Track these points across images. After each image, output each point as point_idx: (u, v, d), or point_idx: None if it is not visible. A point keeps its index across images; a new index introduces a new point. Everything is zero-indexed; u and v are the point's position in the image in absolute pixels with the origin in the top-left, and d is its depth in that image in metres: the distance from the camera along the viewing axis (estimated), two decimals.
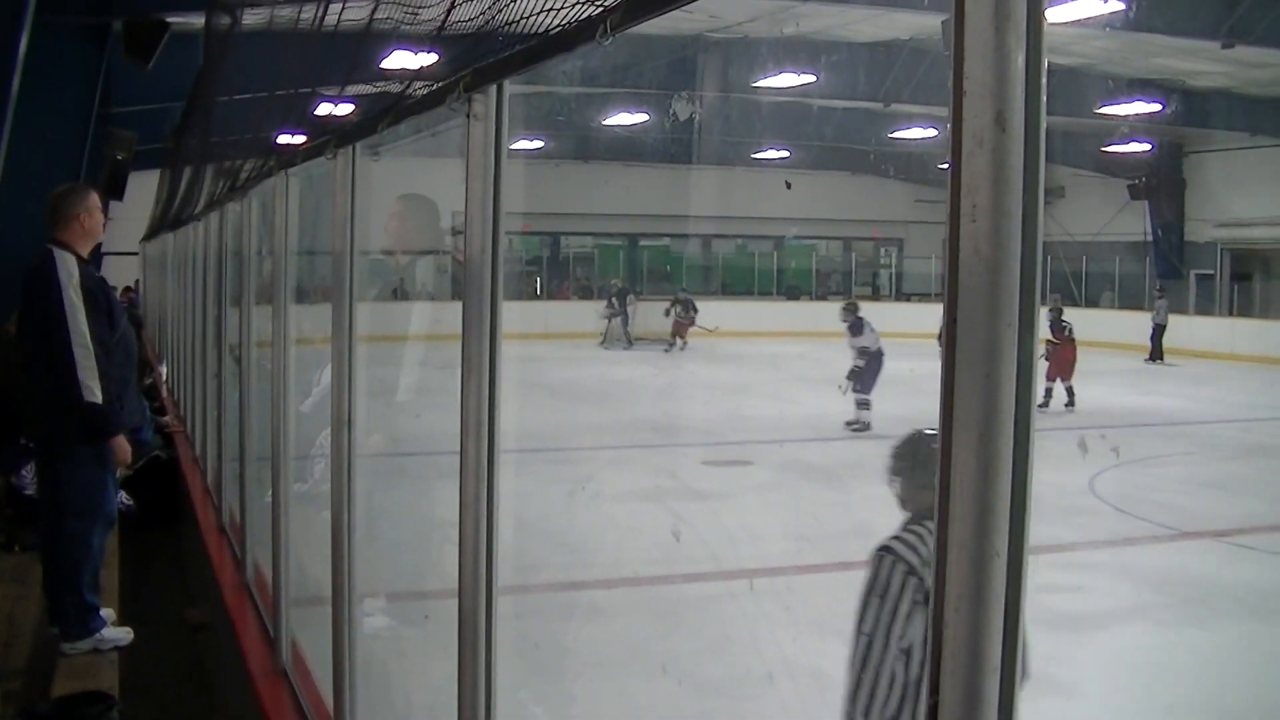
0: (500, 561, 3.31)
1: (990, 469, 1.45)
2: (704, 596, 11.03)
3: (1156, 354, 35.99)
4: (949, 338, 1.47)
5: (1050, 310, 26.08)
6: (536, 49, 2.78)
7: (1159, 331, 36.27)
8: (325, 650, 5.19)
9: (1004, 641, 1.48)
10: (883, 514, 14.06)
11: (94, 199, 7.68)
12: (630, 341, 38.71)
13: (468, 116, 3.19)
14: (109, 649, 7.34)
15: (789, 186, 45.18)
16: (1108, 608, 10.95)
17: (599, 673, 9.19)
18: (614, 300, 39.70)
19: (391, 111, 4.05)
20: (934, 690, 1.50)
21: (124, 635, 7.52)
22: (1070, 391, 24.27)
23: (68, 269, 7.20)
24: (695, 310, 39.23)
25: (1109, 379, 29.01)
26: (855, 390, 20.99)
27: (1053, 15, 22.45)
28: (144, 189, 22.87)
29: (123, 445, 7.56)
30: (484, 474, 3.21)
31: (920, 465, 5.03)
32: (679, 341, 37.87)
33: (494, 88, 3.12)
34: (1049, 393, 23.93)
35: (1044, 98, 1.45)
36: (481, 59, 3.15)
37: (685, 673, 9.12)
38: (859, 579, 11.80)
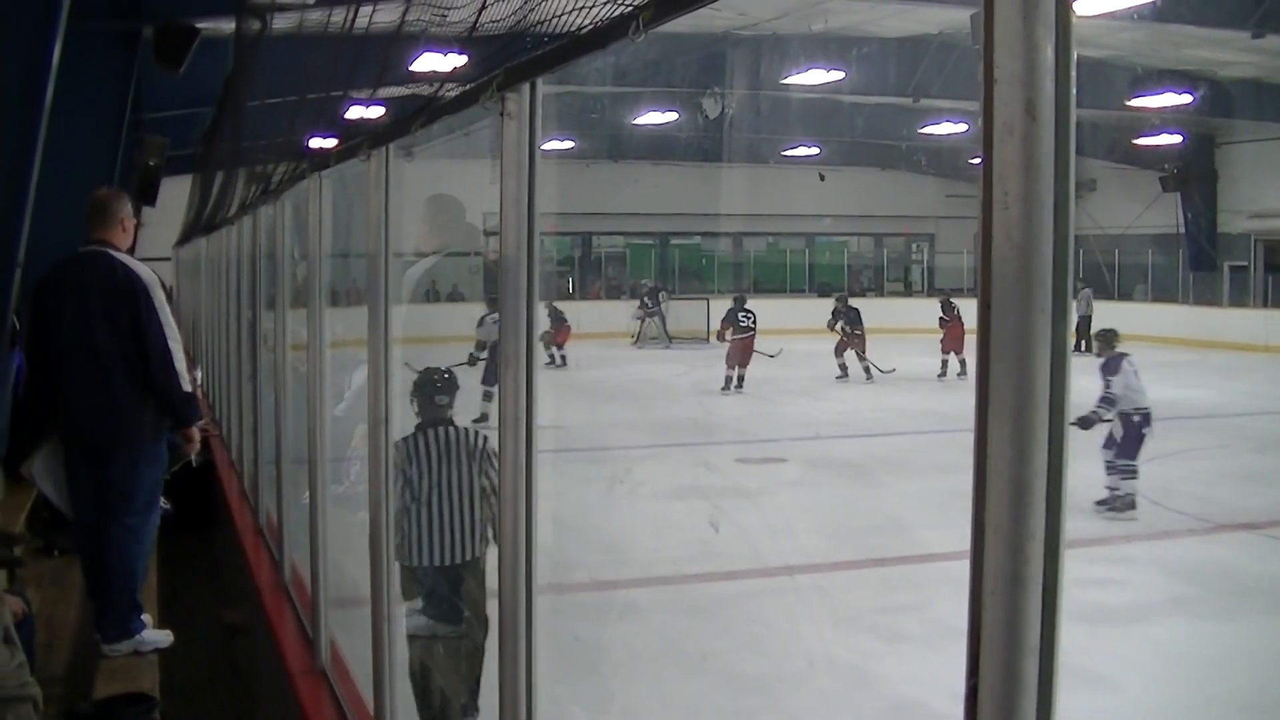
0: (538, 559, 3.33)
1: (1025, 452, 1.47)
2: (739, 593, 11.05)
3: (1083, 345, 35.78)
4: (982, 324, 1.49)
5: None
6: (569, 46, 2.80)
7: (1084, 323, 35.89)
8: (364, 650, 5.22)
9: (1042, 622, 1.49)
10: (915, 509, 14.15)
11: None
12: (669, 340, 38.67)
13: (501, 115, 3.21)
14: (149, 651, 7.40)
15: (822, 178, 45.09)
16: (1143, 601, 10.93)
17: (636, 670, 9.21)
18: (646, 300, 39.54)
19: (425, 111, 4.07)
20: (973, 671, 1.52)
21: (164, 638, 7.57)
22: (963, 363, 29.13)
23: (146, 271, 7.46)
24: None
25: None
26: (484, 383, 20.53)
27: (1082, 8, 22.41)
28: (176, 194, 22.95)
29: (195, 433, 7.81)
30: (522, 469, 3.23)
31: (421, 391, 7.63)
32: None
33: (527, 86, 3.13)
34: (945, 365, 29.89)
35: (1073, 85, 1.47)
36: (514, 58, 3.17)
37: (722, 669, 9.15)
38: (893, 575, 11.83)
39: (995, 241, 1.47)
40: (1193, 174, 41.59)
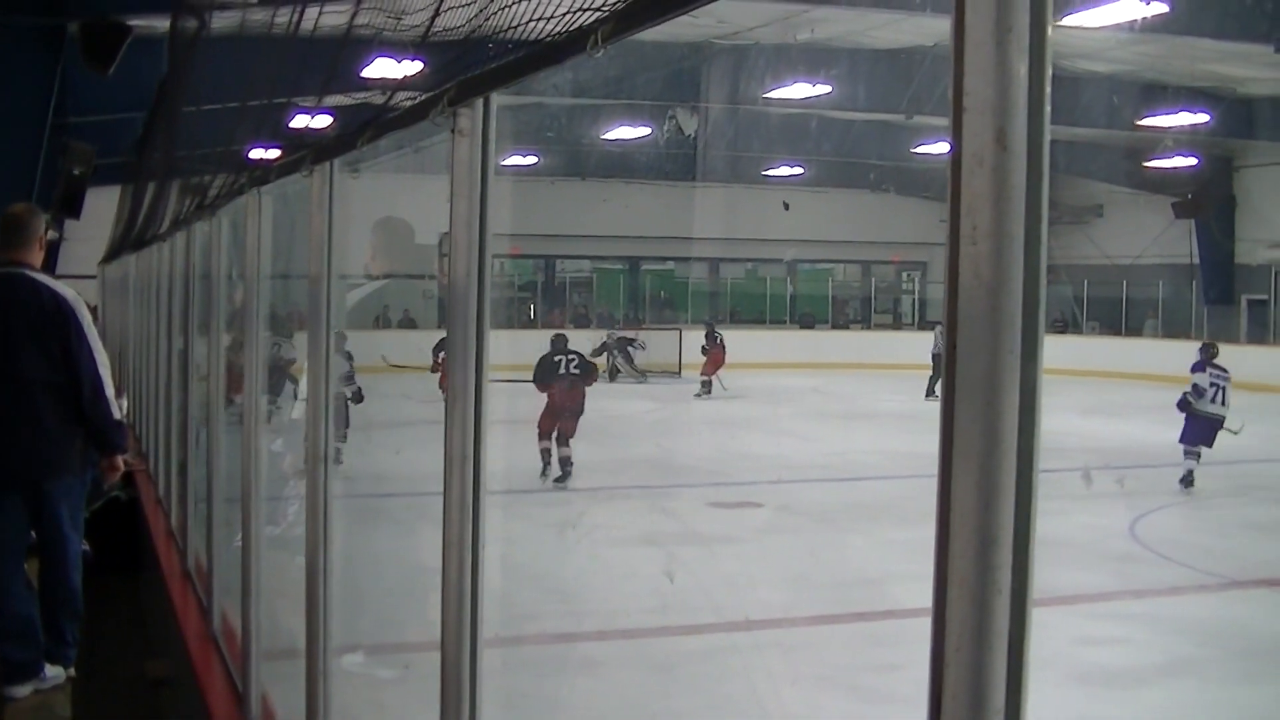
0: (487, 610, 3.35)
1: (992, 502, 1.49)
2: (707, 649, 11.02)
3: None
4: (949, 364, 1.52)
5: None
6: (524, 61, 2.83)
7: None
8: (299, 706, 5.22)
9: (1007, 683, 1.52)
10: (903, 560, 14.18)
11: None
12: (643, 375, 38.33)
13: (452, 132, 3.24)
14: (49, 688, 7.52)
15: (786, 207, 45.29)
16: (1150, 662, 10.91)
17: None
18: (615, 353, 38.29)
19: (372, 126, 4.10)
20: None
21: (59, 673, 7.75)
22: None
23: (71, 293, 7.62)
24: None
25: (1151, 414, 28.95)
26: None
27: (1085, 19, 22.47)
28: (103, 207, 22.86)
29: (120, 462, 8.14)
30: (469, 512, 3.25)
31: None
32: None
33: (480, 101, 3.16)
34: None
35: (1047, 114, 1.50)
36: (467, 70, 3.20)
37: None
38: (877, 630, 11.86)
39: (962, 279, 1.50)
40: (1208, 199, 41.55)
